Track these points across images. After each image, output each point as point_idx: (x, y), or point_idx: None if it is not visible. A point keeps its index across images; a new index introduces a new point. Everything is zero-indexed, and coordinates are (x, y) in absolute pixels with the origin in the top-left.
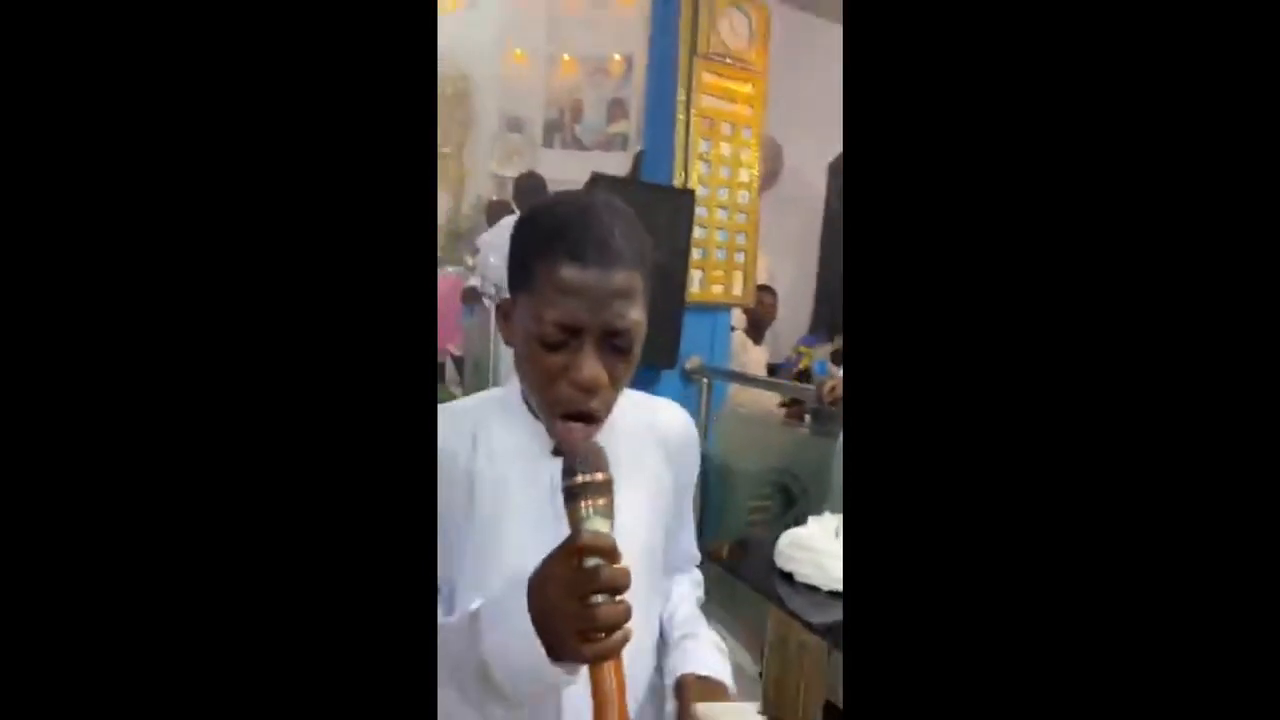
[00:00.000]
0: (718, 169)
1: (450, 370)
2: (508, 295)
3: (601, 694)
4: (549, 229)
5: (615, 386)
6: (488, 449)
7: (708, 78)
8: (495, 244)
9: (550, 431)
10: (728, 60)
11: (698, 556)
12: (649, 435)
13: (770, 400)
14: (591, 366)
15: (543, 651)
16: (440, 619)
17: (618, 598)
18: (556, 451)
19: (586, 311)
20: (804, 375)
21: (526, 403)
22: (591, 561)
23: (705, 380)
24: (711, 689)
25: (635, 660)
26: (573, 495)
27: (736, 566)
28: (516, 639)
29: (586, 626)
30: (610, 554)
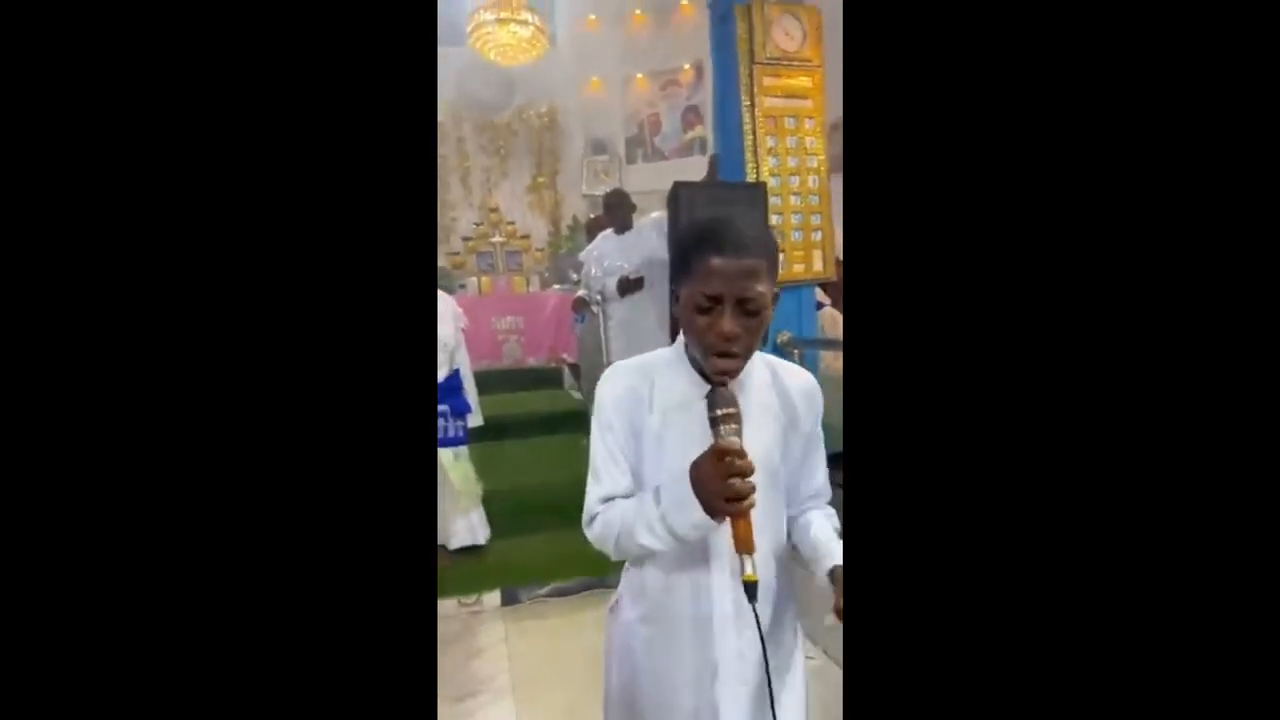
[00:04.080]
0: (786, 160)
1: (567, 376)
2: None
3: (738, 535)
4: (700, 232)
5: (749, 338)
6: (662, 389)
7: (768, 81)
8: (596, 256)
9: (705, 370)
10: (784, 62)
11: (829, 493)
12: (773, 387)
13: None
14: (729, 323)
15: (700, 508)
16: (631, 498)
17: (746, 479)
18: (706, 394)
19: (725, 286)
20: None
21: (689, 358)
22: (728, 458)
23: (796, 351)
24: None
25: (764, 561)
26: (715, 422)
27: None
28: (684, 500)
29: (729, 494)
30: (740, 453)
